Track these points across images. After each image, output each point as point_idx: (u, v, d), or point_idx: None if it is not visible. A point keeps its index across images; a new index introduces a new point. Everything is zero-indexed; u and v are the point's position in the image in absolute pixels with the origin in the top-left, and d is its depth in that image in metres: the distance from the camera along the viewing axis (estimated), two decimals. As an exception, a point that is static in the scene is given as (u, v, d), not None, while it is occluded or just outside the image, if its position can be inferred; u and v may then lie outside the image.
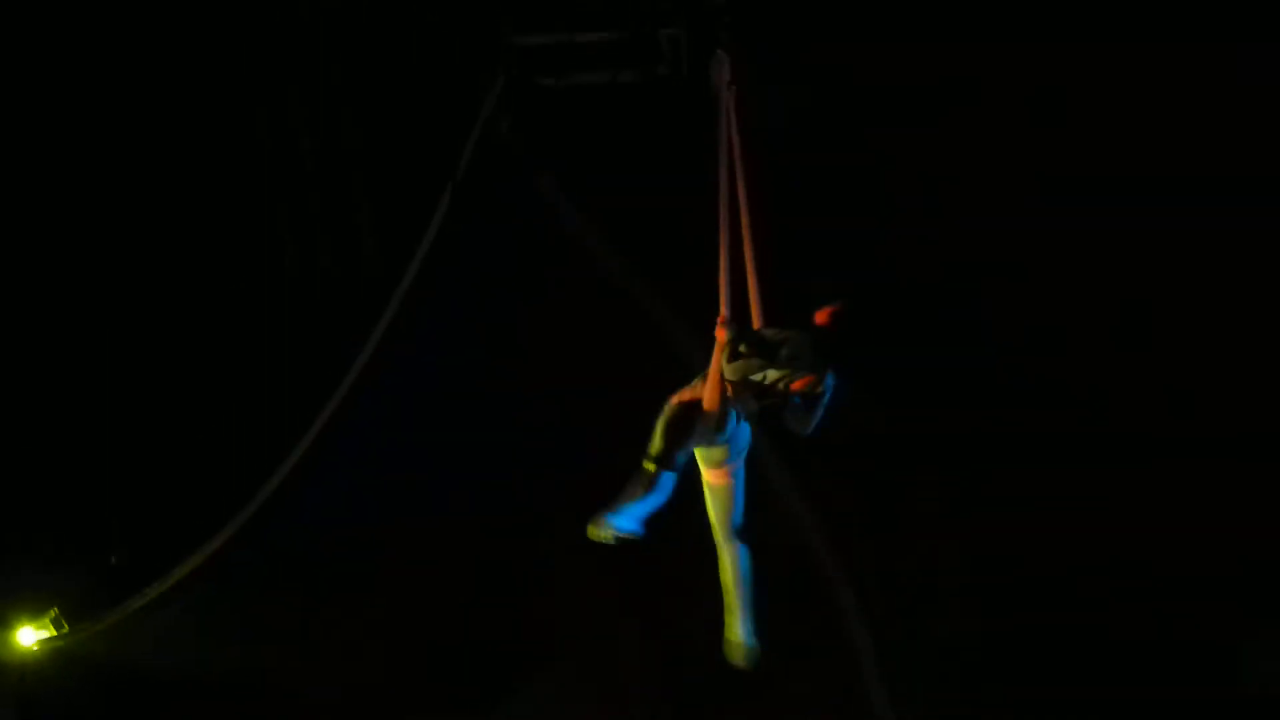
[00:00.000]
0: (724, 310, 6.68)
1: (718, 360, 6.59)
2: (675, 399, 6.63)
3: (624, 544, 6.61)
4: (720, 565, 7.19)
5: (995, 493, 10.30)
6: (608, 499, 6.46)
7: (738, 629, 7.21)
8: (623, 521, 6.47)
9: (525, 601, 10.67)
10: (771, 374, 6.59)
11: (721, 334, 6.60)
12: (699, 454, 6.87)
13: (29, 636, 10.61)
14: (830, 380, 6.56)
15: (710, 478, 6.98)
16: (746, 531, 7.14)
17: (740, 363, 6.60)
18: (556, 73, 10.31)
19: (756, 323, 6.75)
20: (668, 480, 6.54)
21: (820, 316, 6.58)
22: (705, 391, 6.61)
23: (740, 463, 6.98)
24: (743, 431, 6.87)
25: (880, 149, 10.31)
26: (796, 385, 6.57)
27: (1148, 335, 10.36)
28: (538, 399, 10.52)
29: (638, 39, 10.09)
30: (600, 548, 10.26)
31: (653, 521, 10.10)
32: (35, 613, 10.60)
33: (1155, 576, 10.19)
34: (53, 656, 10.56)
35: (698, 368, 6.68)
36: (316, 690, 10.51)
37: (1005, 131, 10.36)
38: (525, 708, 10.71)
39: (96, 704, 10.59)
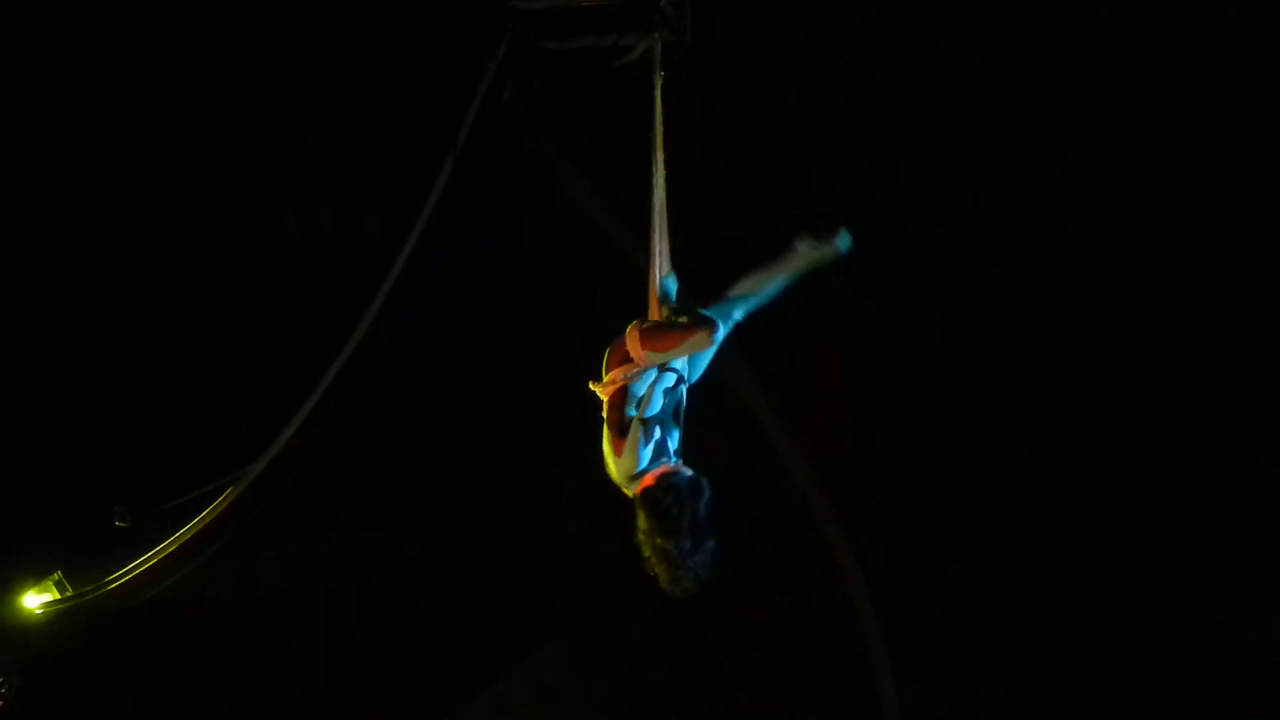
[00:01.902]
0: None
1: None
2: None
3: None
4: None
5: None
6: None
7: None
8: None
9: (527, 572, 10.76)
10: None
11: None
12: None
13: (33, 601, 10.65)
14: None
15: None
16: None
17: None
18: (560, 37, 10.31)
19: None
20: None
21: None
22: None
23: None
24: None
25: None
26: None
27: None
28: (539, 363, 10.61)
29: (640, 3, 10.09)
30: (602, 520, 10.43)
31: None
32: (38, 576, 10.64)
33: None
34: (59, 619, 10.62)
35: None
36: (320, 645, 10.59)
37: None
38: (525, 678, 10.81)
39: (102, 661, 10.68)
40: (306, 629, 10.77)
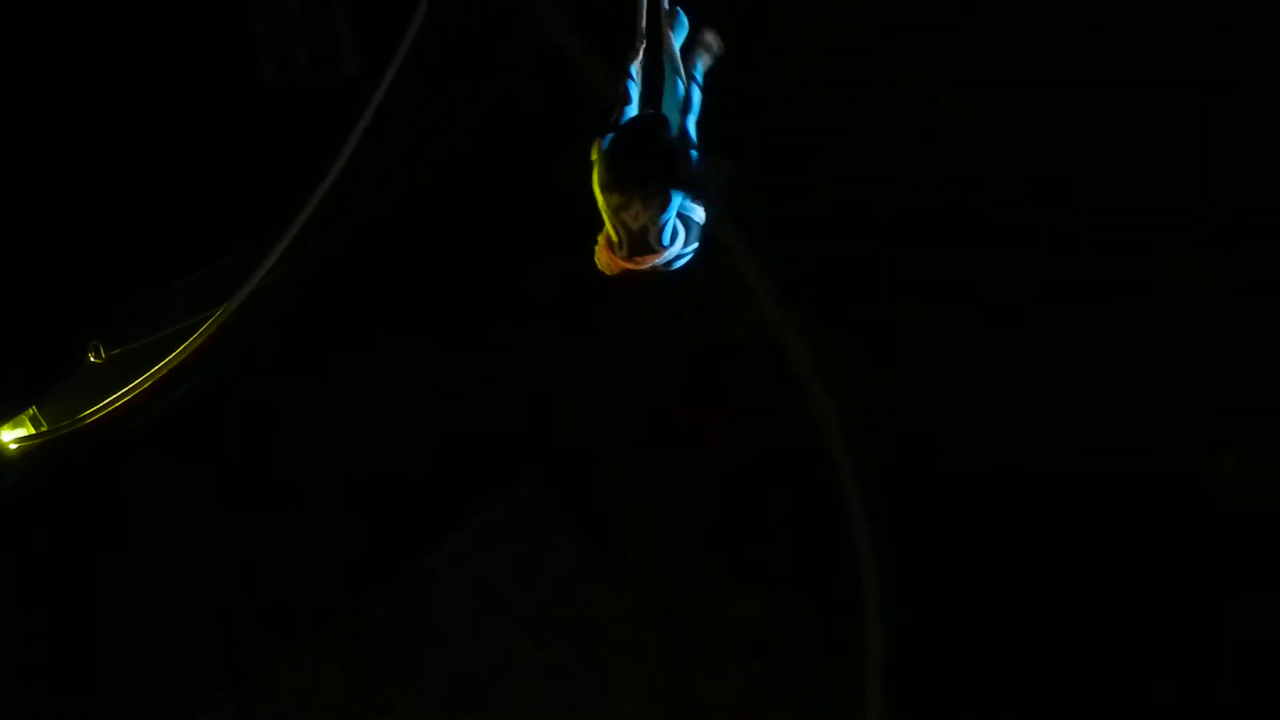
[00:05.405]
0: None
1: None
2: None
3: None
4: None
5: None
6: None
7: None
8: None
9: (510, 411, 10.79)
10: None
11: None
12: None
13: (6, 436, 10.64)
14: None
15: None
16: None
17: None
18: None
19: None
20: None
21: None
22: None
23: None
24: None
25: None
26: None
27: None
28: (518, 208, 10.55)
29: None
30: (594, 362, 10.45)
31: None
32: (12, 411, 10.63)
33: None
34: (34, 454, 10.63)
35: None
36: (303, 477, 10.66)
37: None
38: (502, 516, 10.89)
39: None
40: (289, 463, 10.82)
